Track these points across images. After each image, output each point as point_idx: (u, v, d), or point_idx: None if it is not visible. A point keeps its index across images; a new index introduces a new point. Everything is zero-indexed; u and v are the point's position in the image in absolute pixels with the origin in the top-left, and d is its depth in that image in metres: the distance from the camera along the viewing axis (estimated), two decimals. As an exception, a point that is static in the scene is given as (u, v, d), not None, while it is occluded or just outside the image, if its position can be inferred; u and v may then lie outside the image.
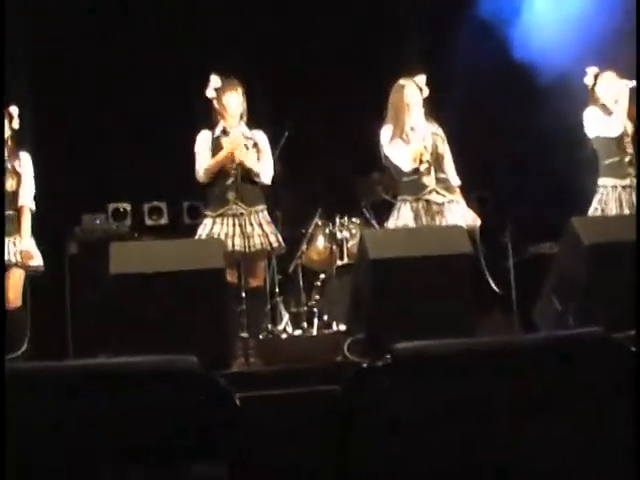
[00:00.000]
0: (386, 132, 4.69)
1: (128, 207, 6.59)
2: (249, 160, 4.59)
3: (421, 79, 4.77)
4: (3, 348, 3.89)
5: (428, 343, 1.85)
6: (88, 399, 1.74)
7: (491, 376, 1.83)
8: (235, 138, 4.57)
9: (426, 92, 4.74)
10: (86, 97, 6.29)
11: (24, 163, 4.58)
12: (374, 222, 5.85)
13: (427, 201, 4.58)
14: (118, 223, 6.51)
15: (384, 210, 5.21)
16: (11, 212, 4.50)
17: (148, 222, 6.63)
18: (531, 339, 2.07)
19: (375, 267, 3.77)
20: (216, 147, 4.67)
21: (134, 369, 1.77)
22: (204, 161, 4.68)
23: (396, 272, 3.76)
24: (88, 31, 6.26)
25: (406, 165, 4.59)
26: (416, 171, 4.60)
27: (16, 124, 4.49)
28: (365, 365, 1.88)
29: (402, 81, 4.73)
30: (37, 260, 4.61)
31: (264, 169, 4.73)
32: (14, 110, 4.53)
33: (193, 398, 1.75)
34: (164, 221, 6.64)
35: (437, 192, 4.62)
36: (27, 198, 4.60)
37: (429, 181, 4.60)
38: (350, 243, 5.73)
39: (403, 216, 4.60)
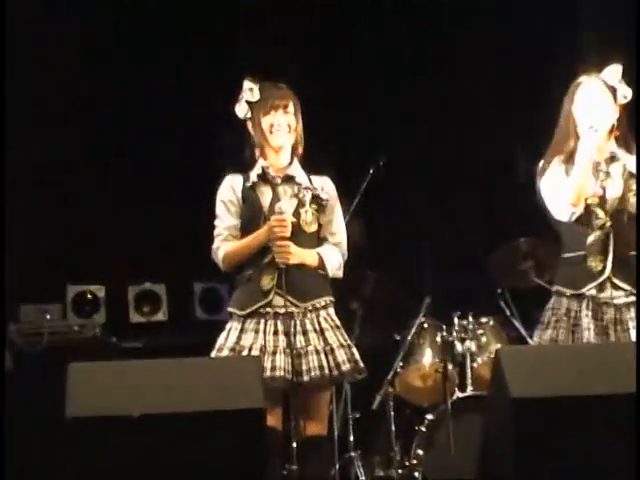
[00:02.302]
0: (544, 162, 4.49)
1: (101, 292, 6.47)
2: (302, 257, 4.36)
3: (613, 72, 4.55)
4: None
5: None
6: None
7: None
8: (281, 222, 4.28)
9: (624, 92, 4.53)
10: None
11: None
12: (519, 324, 5.65)
13: (595, 299, 4.38)
14: (83, 320, 6.34)
15: (536, 304, 4.87)
16: None
17: (135, 318, 6.58)
18: None
19: (519, 409, 3.70)
20: (249, 205, 4.41)
21: None
22: (227, 237, 4.44)
23: (549, 415, 3.69)
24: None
25: (563, 209, 4.36)
26: (580, 233, 4.40)
27: None
28: None
29: (581, 77, 4.53)
30: None
31: (330, 255, 4.45)
32: None
33: None
34: (162, 316, 6.60)
35: (614, 284, 4.42)
36: None
37: (600, 263, 4.41)
38: (478, 360, 5.61)
39: (560, 324, 4.42)
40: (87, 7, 6.56)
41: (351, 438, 5.54)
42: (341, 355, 4.32)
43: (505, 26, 6.57)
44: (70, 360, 4.74)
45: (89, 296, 6.43)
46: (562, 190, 4.50)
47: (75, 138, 6.67)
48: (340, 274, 4.46)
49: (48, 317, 6.25)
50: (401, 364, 5.62)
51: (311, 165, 4.52)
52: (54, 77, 6.48)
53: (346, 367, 4.30)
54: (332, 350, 4.29)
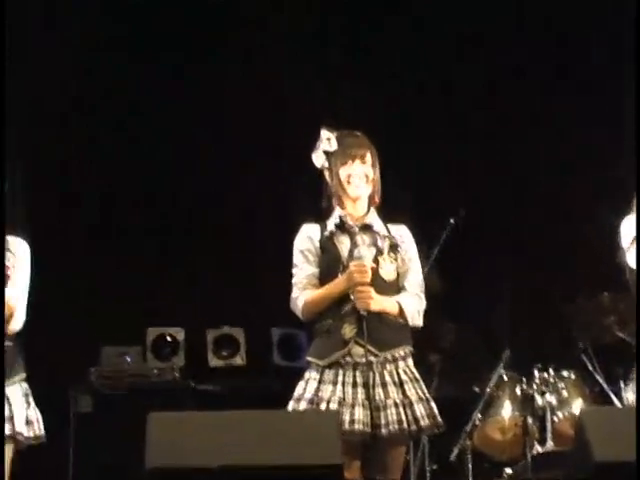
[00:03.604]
0: (629, 223, 4.46)
1: (181, 335, 6.53)
2: (382, 304, 4.33)
3: None
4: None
5: None
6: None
7: None
8: (361, 267, 4.26)
9: None
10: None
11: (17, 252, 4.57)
12: (601, 380, 5.55)
13: None
14: (162, 363, 6.42)
15: (619, 359, 5.15)
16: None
17: (214, 362, 6.58)
18: None
19: (602, 473, 3.60)
20: (328, 254, 4.41)
21: None
22: (306, 286, 4.43)
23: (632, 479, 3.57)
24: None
25: None
26: None
27: None
28: None
29: None
30: (33, 428, 4.50)
31: (409, 303, 4.40)
32: None
33: None
34: (240, 361, 6.61)
35: None
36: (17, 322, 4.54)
37: None
38: (558, 414, 5.48)
39: None
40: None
41: (428, 493, 5.53)
42: (420, 410, 4.26)
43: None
44: (149, 404, 4.76)
45: (168, 339, 6.48)
46: None
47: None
48: (420, 323, 4.41)
49: (128, 360, 6.30)
50: (480, 416, 5.55)
51: (389, 213, 4.49)
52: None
53: (425, 422, 4.25)
54: (411, 404, 4.24)
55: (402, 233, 4.50)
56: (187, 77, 6.51)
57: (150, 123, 6.47)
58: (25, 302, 4.64)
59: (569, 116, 6.45)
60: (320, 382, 4.26)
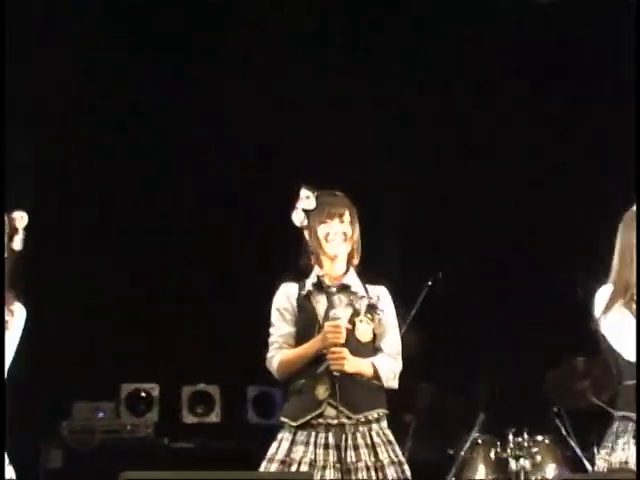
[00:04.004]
0: (604, 294, 4.18)
1: (155, 391, 6.42)
2: (357, 365, 4.29)
3: None
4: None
5: None
6: None
7: None
8: (335, 328, 4.22)
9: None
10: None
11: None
12: (574, 444, 5.54)
13: None
14: (136, 419, 6.29)
15: (593, 424, 4.89)
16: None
17: (189, 419, 6.49)
18: None
19: None
20: (304, 314, 4.36)
21: None
22: (282, 345, 4.38)
23: None
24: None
25: (630, 352, 4.07)
26: None
27: (18, 244, 4.18)
28: None
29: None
30: None
31: (385, 365, 4.34)
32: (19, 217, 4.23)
33: None
34: (215, 418, 6.51)
35: None
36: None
37: None
38: (532, 479, 5.46)
39: (627, 445, 4.08)
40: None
41: None
42: (392, 473, 4.17)
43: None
44: (121, 460, 4.70)
45: (143, 394, 6.38)
46: (631, 332, 4.24)
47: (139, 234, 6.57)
48: (395, 385, 4.35)
49: (101, 415, 6.22)
50: None
51: (367, 274, 4.44)
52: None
53: None
54: (382, 467, 4.16)
55: (380, 294, 4.43)
56: (187, 77, 6.53)
57: (150, 123, 6.48)
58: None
59: (569, 116, 6.40)
60: (292, 443, 4.20)
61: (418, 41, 6.53)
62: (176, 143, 6.52)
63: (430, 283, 5.45)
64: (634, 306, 4.15)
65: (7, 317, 4.25)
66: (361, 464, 4.14)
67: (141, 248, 6.44)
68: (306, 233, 4.39)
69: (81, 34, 6.40)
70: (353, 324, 4.29)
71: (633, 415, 4.16)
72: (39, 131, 6.35)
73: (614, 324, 4.18)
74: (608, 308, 4.18)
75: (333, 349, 4.16)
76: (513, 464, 5.42)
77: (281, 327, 4.34)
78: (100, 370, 6.35)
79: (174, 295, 6.61)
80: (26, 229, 4.17)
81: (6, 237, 4.20)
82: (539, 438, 5.52)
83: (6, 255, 4.19)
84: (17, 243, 4.19)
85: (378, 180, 6.36)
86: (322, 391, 4.20)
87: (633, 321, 4.16)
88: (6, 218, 4.20)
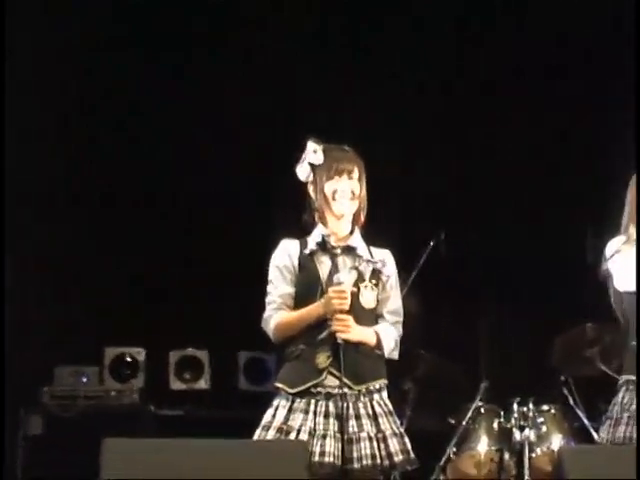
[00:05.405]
0: (614, 244, 4.42)
1: (141, 356, 6.44)
2: (361, 334, 4.30)
3: None
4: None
5: None
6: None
7: None
8: (341, 294, 4.21)
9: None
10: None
11: None
12: (582, 415, 5.54)
13: None
14: (121, 385, 6.33)
15: (602, 393, 4.87)
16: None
17: (176, 385, 6.53)
18: None
19: None
20: (306, 274, 4.33)
21: None
22: (280, 306, 4.35)
23: None
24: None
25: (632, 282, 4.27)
26: None
27: None
28: None
29: None
30: None
31: (387, 335, 4.36)
32: None
33: None
34: (204, 384, 6.54)
35: None
36: None
37: None
38: (537, 450, 5.45)
39: (631, 420, 4.26)
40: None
41: (400, 532, 5.38)
42: (394, 445, 4.20)
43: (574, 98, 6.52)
44: (105, 428, 4.73)
45: (128, 359, 6.39)
46: (633, 266, 4.33)
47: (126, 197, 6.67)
48: (396, 355, 4.36)
49: (84, 380, 6.21)
50: (454, 450, 5.51)
51: (372, 236, 4.44)
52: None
53: (398, 458, 4.18)
54: (385, 438, 4.18)
55: (385, 258, 4.41)
56: (187, 77, 6.57)
57: (150, 123, 6.56)
58: None
59: (569, 116, 6.43)
60: (290, 410, 4.18)
61: (418, 41, 6.56)
62: (176, 143, 6.63)
63: (432, 243, 5.51)
64: None
65: None
66: (363, 434, 4.15)
67: (141, 248, 6.48)
68: (311, 189, 4.36)
69: (81, 34, 6.44)
70: (358, 289, 4.28)
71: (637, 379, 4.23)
72: (39, 131, 6.33)
73: (625, 266, 4.27)
74: (618, 256, 4.31)
75: (338, 316, 4.16)
76: (517, 435, 5.42)
77: (280, 286, 4.30)
78: (83, 333, 6.36)
79: (198, 238, 6.69)
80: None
81: None
82: (545, 408, 5.53)
83: None
84: None
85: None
86: (323, 359, 4.18)
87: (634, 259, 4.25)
88: None
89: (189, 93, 6.63)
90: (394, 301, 4.38)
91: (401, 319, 4.39)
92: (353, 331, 4.24)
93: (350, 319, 4.22)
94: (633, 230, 4.46)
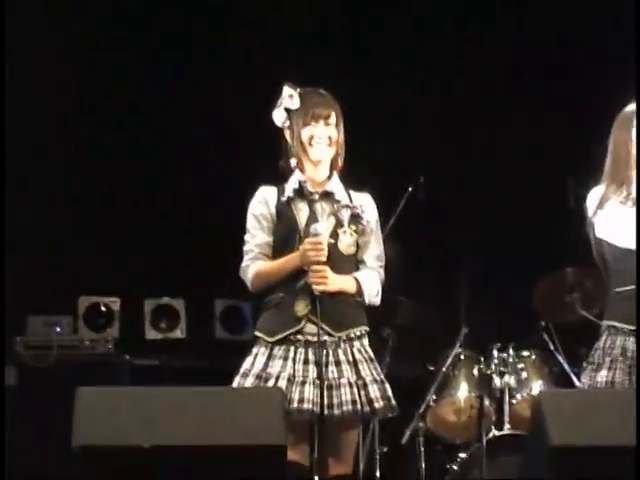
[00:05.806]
0: (596, 194, 4.38)
1: (116, 305, 6.45)
2: (339, 284, 4.31)
3: None
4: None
5: None
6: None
7: None
8: (317, 245, 4.22)
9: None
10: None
11: None
12: (562, 360, 5.60)
13: None
14: (95, 334, 6.34)
15: (583, 339, 4.87)
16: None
17: (151, 334, 6.56)
18: None
19: (558, 458, 3.68)
20: (284, 222, 4.35)
21: None
22: (258, 255, 4.36)
23: (590, 465, 3.67)
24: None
25: (625, 239, 4.26)
26: None
27: None
28: None
29: (632, 107, 4.35)
30: None
31: (368, 281, 4.37)
32: None
33: None
34: (180, 333, 6.58)
35: None
36: None
37: None
38: (517, 396, 5.54)
39: (616, 364, 4.29)
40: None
41: (377, 474, 5.43)
42: (374, 391, 4.23)
43: (556, 51, 6.58)
44: (79, 378, 4.78)
45: (103, 309, 6.40)
46: (626, 222, 4.34)
47: (99, 148, 6.70)
48: (378, 301, 4.37)
49: (58, 330, 6.23)
50: (434, 397, 5.56)
51: (351, 179, 4.42)
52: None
53: (379, 404, 4.21)
54: (365, 385, 4.20)
55: (365, 202, 4.40)
56: (187, 77, 6.64)
57: (150, 123, 6.64)
58: None
59: (569, 116, 6.47)
60: (269, 357, 4.19)
61: (418, 41, 6.61)
62: (176, 143, 6.67)
63: (411, 189, 5.51)
64: (630, 204, 4.25)
65: None
66: (343, 380, 4.15)
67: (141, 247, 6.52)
68: (287, 134, 4.33)
69: (81, 34, 6.53)
70: (336, 236, 4.27)
71: (620, 325, 4.27)
72: (39, 131, 6.37)
73: (608, 215, 4.27)
74: (601, 205, 4.28)
75: (314, 267, 4.16)
76: (497, 381, 5.47)
77: (257, 235, 4.30)
78: (56, 282, 6.40)
79: (198, 238, 6.73)
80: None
81: None
82: (525, 353, 5.59)
83: None
84: None
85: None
86: (302, 307, 4.19)
87: (629, 212, 4.24)
88: None
89: (189, 93, 6.68)
90: (375, 246, 4.38)
91: (383, 264, 4.40)
92: (331, 281, 4.25)
93: (327, 270, 4.23)
94: (616, 178, 4.41)
